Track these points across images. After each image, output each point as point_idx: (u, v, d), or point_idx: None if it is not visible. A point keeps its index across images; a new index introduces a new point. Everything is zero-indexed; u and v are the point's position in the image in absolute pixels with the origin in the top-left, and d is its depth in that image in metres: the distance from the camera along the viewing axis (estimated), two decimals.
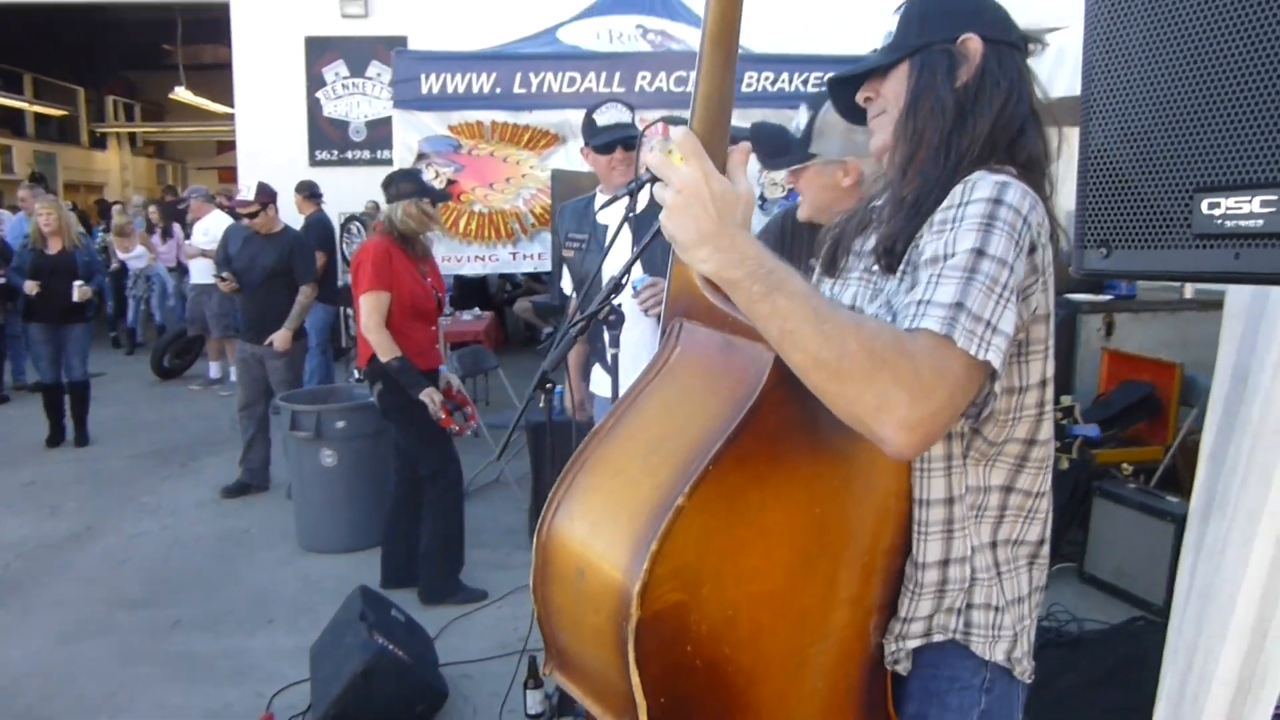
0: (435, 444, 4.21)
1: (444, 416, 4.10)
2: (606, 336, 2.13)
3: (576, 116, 6.03)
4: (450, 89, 5.87)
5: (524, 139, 6.00)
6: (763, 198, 6.09)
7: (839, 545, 1.32)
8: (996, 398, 1.26)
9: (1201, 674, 1.59)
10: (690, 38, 7.01)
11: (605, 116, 3.39)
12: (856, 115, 1.61)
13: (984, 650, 1.42)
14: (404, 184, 4.27)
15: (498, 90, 5.91)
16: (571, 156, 6.01)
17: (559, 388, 5.35)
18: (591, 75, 5.99)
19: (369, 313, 4.03)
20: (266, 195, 5.64)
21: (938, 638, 1.41)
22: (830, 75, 1.60)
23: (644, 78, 6.02)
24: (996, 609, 1.42)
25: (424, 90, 5.86)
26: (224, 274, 5.77)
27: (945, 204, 1.32)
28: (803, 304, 1.13)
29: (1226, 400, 1.66)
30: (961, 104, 1.39)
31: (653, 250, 3.48)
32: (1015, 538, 1.43)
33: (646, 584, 1.14)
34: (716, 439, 1.18)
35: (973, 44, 1.41)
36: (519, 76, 5.92)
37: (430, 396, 4.04)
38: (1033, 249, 1.26)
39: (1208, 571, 1.62)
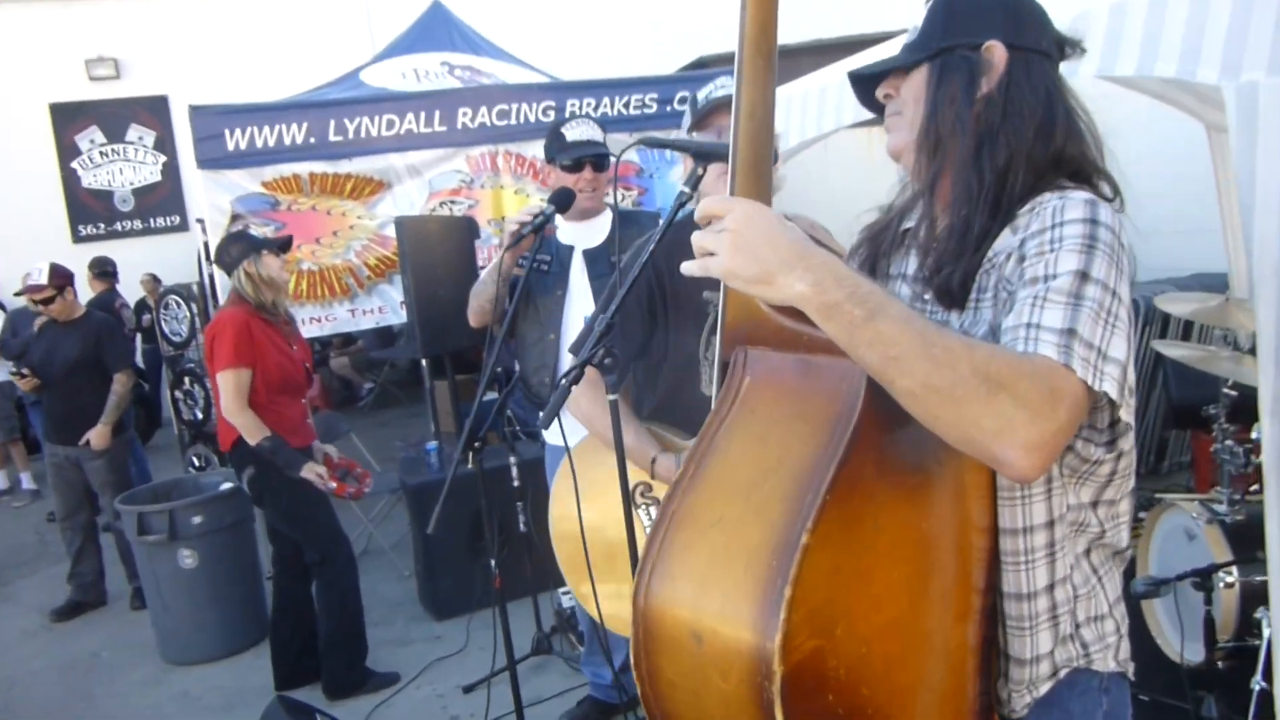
0: (319, 525, 3.88)
1: (335, 486, 3.77)
2: (605, 382, 1.96)
3: (401, 160, 5.81)
4: (260, 143, 5.46)
5: (346, 189, 5.66)
6: None
7: (947, 558, 1.26)
8: (1130, 428, 1.23)
9: None
10: (499, 72, 6.88)
11: (575, 131, 3.20)
12: (878, 108, 1.56)
13: (1103, 664, 1.42)
14: (234, 247, 3.93)
15: (312, 140, 5.54)
16: (400, 202, 5.75)
17: (431, 445, 5.08)
18: (410, 116, 5.72)
19: (230, 393, 3.65)
20: (62, 278, 5.07)
21: (1064, 672, 1.37)
22: (851, 70, 1.52)
23: (465, 114, 5.81)
24: (1099, 618, 1.40)
25: (230, 147, 5.42)
26: (21, 369, 5.13)
27: (1035, 229, 1.26)
28: (907, 327, 1.08)
29: (1277, 354, 1.73)
30: (986, 119, 1.34)
31: (603, 289, 3.32)
32: (1107, 546, 1.41)
33: (786, 635, 1.04)
34: (827, 465, 1.10)
35: (997, 52, 1.35)
36: (333, 124, 5.58)
37: (314, 471, 3.71)
38: (1128, 267, 1.22)
39: None
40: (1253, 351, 4.39)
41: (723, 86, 2.00)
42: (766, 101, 1.25)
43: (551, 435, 3.34)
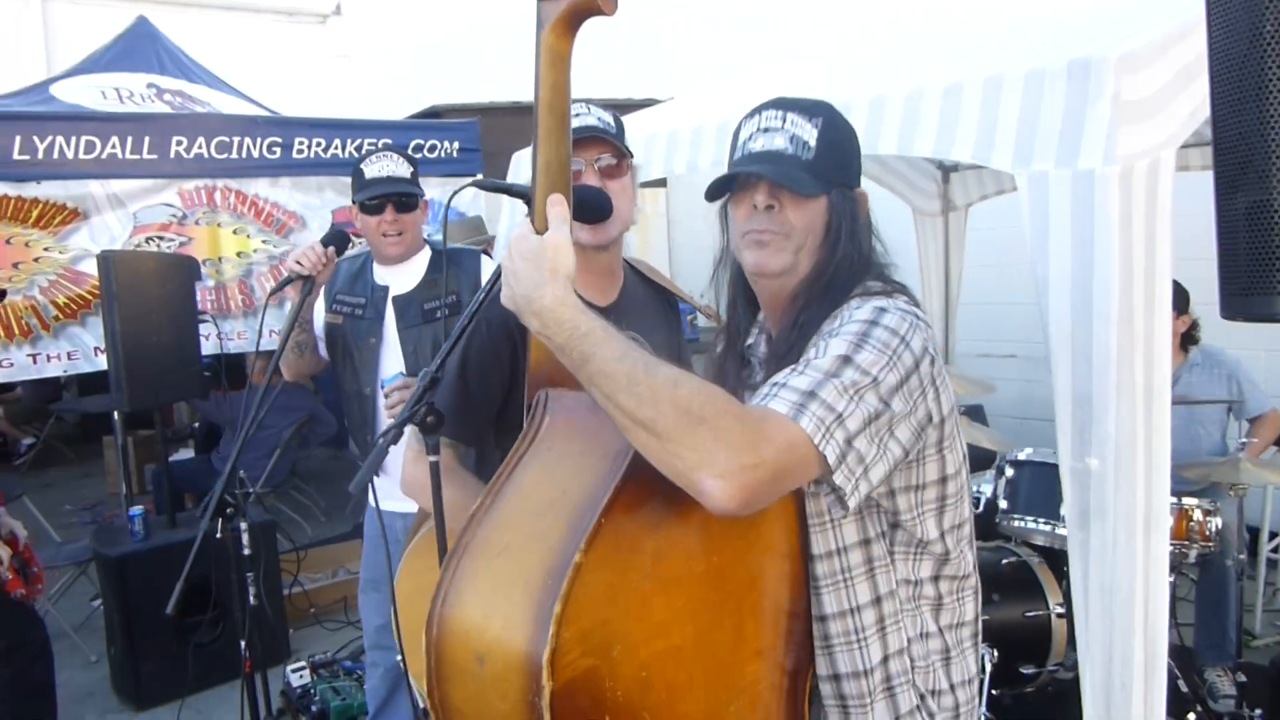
0: (2, 609, 3.27)
1: (10, 577, 3.20)
2: (421, 443, 1.78)
3: (101, 188, 5.17)
4: None
5: (32, 216, 4.93)
6: None
7: (741, 594, 1.33)
8: (871, 489, 1.28)
9: (1124, 660, 1.80)
10: (214, 101, 6.36)
11: (375, 168, 2.83)
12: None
13: None
14: None
15: None
16: (98, 235, 5.11)
17: (135, 510, 4.47)
18: (115, 140, 5.10)
19: None
20: None
21: None
22: (744, 169, 1.49)
23: (179, 143, 5.28)
24: (947, 691, 1.48)
25: None
26: None
27: (830, 328, 1.37)
28: (617, 367, 1.16)
29: (1074, 421, 1.88)
30: (855, 256, 1.48)
31: (419, 348, 3.02)
32: (956, 621, 1.50)
33: (555, 650, 1.08)
34: (603, 492, 1.16)
35: (865, 200, 1.52)
36: (19, 140, 4.86)
37: None
38: (915, 366, 1.31)
39: (1102, 572, 1.83)
40: (967, 415, 4.85)
41: (578, 115, 1.91)
42: (561, 158, 1.32)
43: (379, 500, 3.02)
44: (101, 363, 4.96)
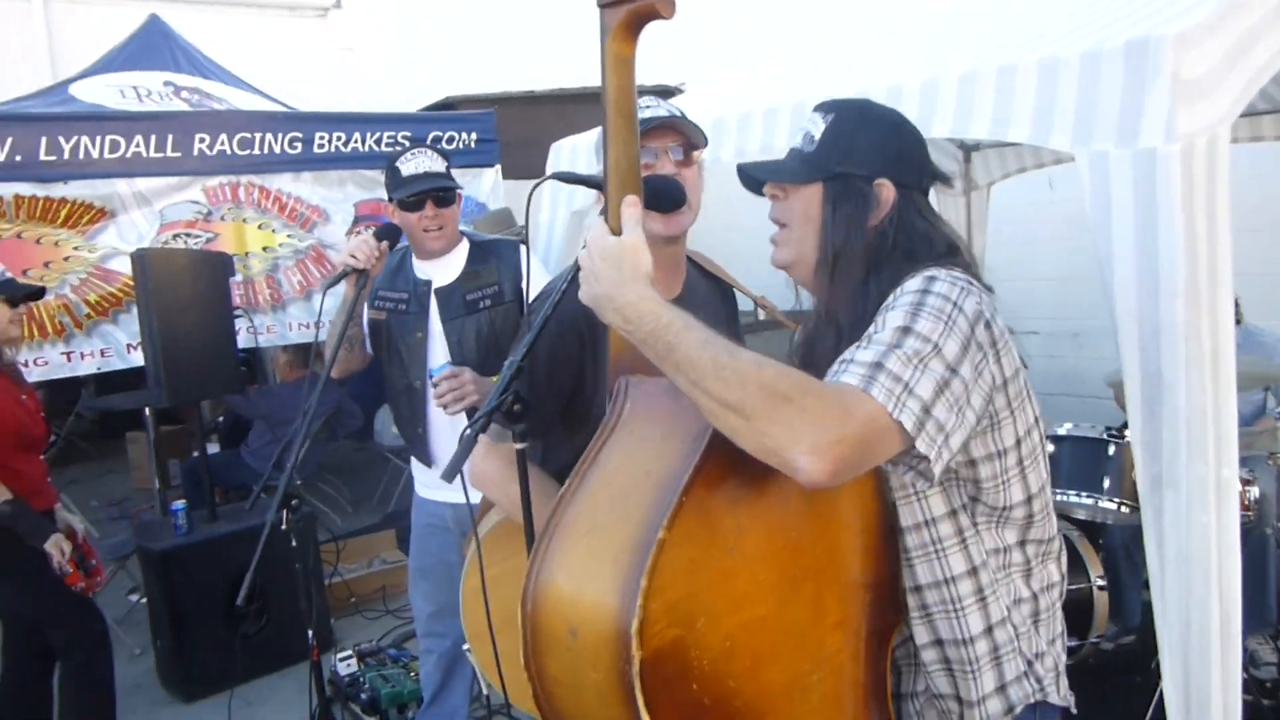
0: (64, 601, 3.33)
1: (71, 571, 3.25)
2: (513, 431, 1.82)
3: (127, 187, 5.20)
4: None
5: (60, 215, 4.96)
6: None
7: (819, 568, 1.39)
8: (952, 456, 1.31)
9: (1201, 628, 1.86)
10: (229, 97, 6.38)
11: (411, 165, 2.86)
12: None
13: (1056, 696, 1.53)
14: None
15: (18, 158, 4.81)
16: (126, 233, 5.14)
17: (177, 505, 4.51)
18: (139, 139, 5.13)
19: None
20: None
21: (1020, 709, 1.49)
22: (743, 164, 1.63)
23: (202, 140, 5.30)
24: (1045, 652, 1.53)
25: None
26: None
27: (886, 303, 1.40)
28: (700, 354, 1.21)
29: (1143, 394, 1.93)
30: (876, 250, 1.49)
31: (464, 339, 3.04)
32: (1045, 584, 1.53)
33: (643, 621, 1.14)
34: (684, 471, 1.21)
35: (887, 190, 1.50)
36: (45, 141, 4.88)
37: (58, 547, 3.19)
38: (971, 330, 1.34)
39: (1178, 540, 1.88)
40: None
41: (649, 107, 1.95)
42: (630, 157, 1.37)
43: (424, 485, 3.05)
44: (134, 359, 5.00)
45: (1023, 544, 1.50)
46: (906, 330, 1.30)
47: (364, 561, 5.35)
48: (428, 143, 5.75)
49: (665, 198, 1.96)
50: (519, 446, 1.94)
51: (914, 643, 1.51)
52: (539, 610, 1.27)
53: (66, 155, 4.98)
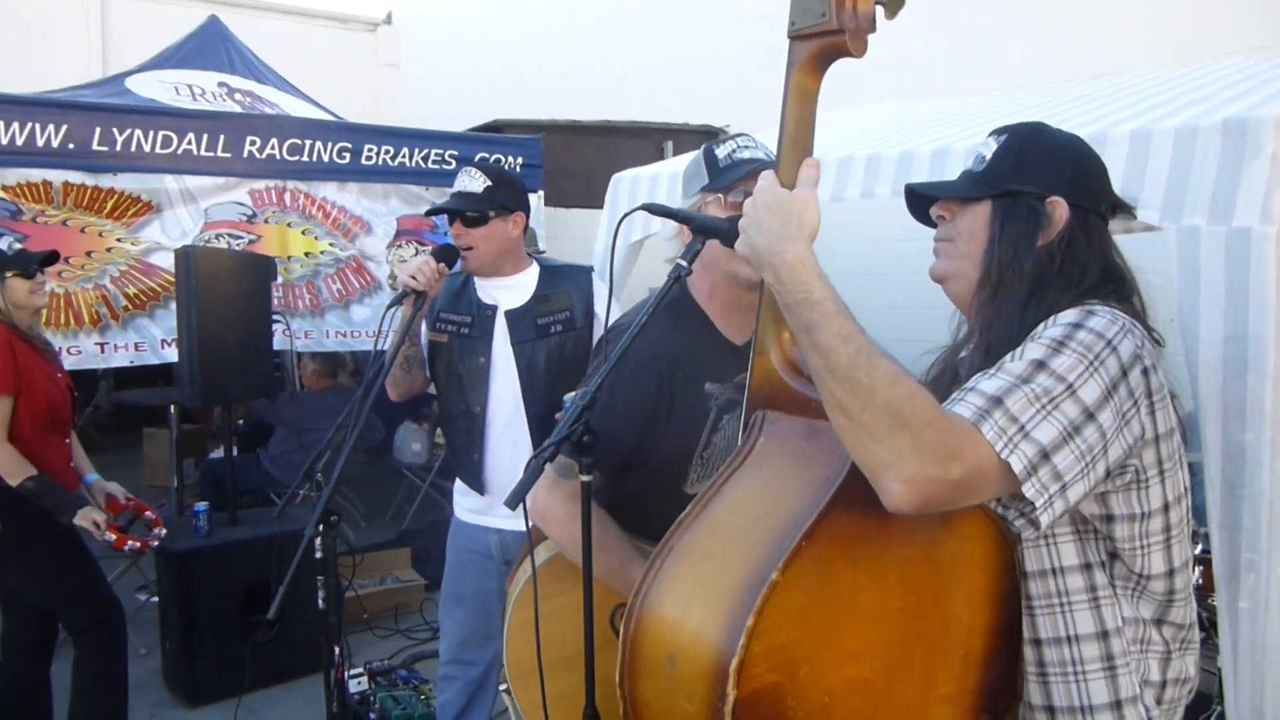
0: (82, 586, 3.30)
1: (115, 538, 3.20)
2: (578, 464, 1.77)
3: (175, 183, 5.21)
4: (5, 140, 4.71)
5: (107, 206, 4.97)
6: None
7: (935, 636, 1.32)
8: (1067, 509, 1.24)
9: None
10: (281, 103, 6.42)
11: (456, 183, 2.86)
12: (927, 218, 1.61)
13: None
14: None
15: (70, 146, 4.83)
16: (169, 228, 5.15)
17: (200, 506, 4.47)
18: (190, 137, 5.14)
19: None
20: None
21: None
22: (910, 184, 1.60)
23: (253, 143, 5.32)
24: None
25: None
26: None
27: (1036, 331, 1.34)
28: (842, 347, 1.17)
29: (1224, 476, 1.89)
30: (1043, 269, 1.42)
31: (533, 363, 2.97)
32: (1180, 676, 1.42)
33: (743, 661, 1.12)
34: (808, 515, 1.18)
35: (1060, 208, 1.43)
36: (99, 131, 4.90)
37: (89, 519, 3.15)
38: (1124, 373, 1.26)
39: (1253, 630, 1.83)
40: None
41: (747, 148, 1.93)
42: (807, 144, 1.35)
43: (464, 508, 3.01)
44: (168, 355, 4.99)
45: (1159, 623, 1.38)
46: (1041, 365, 1.23)
47: (377, 578, 5.29)
48: (475, 161, 5.76)
49: None
50: (585, 479, 1.90)
51: (1027, 705, 1.41)
52: (641, 631, 1.26)
53: (119, 147, 5.00)
